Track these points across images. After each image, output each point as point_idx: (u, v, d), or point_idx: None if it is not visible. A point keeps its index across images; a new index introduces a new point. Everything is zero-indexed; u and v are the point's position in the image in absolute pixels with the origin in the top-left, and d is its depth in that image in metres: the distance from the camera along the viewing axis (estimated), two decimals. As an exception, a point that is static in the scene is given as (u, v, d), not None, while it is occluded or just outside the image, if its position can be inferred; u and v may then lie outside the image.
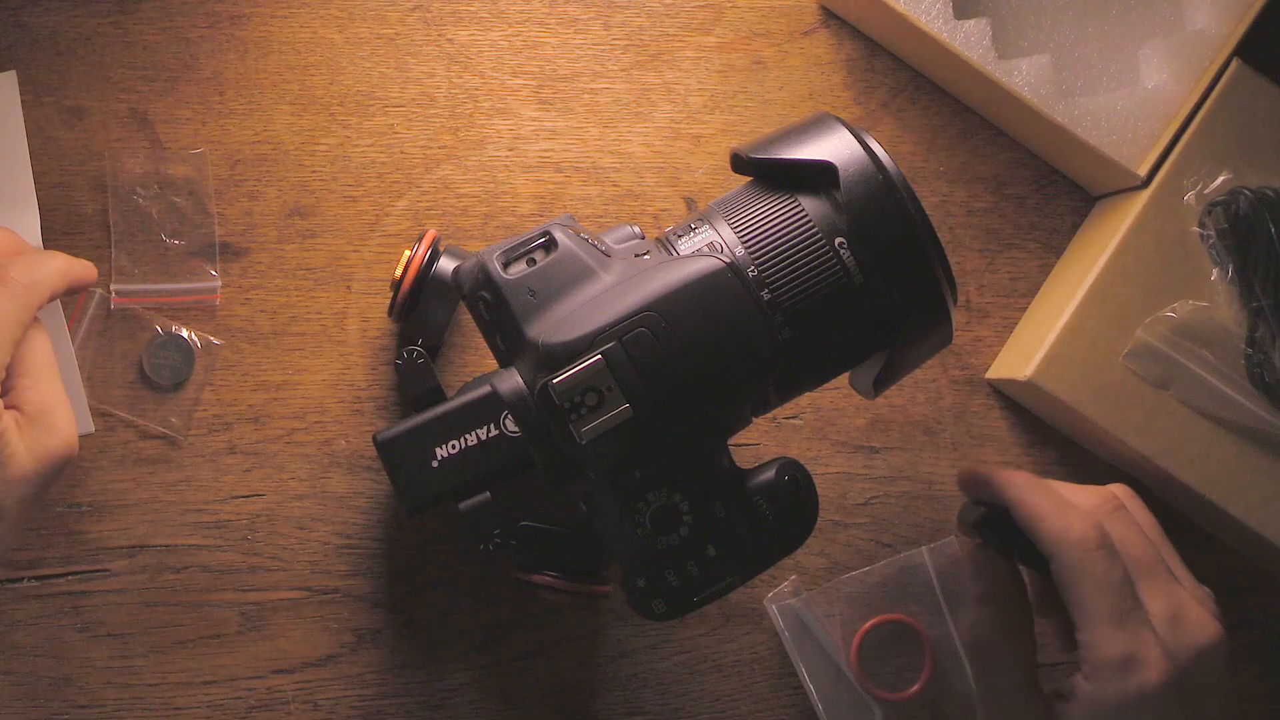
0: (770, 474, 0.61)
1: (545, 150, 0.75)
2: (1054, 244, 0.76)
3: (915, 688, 0.73)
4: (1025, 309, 0.75)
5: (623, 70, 0.75)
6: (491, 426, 0.61)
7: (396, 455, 0.63)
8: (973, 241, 0.75)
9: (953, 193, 0.75)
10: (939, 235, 0.70)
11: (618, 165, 0.75)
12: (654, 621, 0.61)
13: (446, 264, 0.67)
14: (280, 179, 0.74)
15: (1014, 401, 0.75)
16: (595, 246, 0.61)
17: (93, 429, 0.71)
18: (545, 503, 0.71)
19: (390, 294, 0.68)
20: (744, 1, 0.76)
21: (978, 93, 0.74)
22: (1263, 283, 0.68)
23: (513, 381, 0.60)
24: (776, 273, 0.59)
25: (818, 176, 0.60)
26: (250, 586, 0.72)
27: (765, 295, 0.59)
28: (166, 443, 0.72)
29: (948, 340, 0.62)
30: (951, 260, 0.75)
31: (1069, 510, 0.61)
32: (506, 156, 0.75)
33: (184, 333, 0.73)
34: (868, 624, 0.73)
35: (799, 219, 0.60)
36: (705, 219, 0.62)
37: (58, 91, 0.73)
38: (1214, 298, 0.69)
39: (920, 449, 0.74)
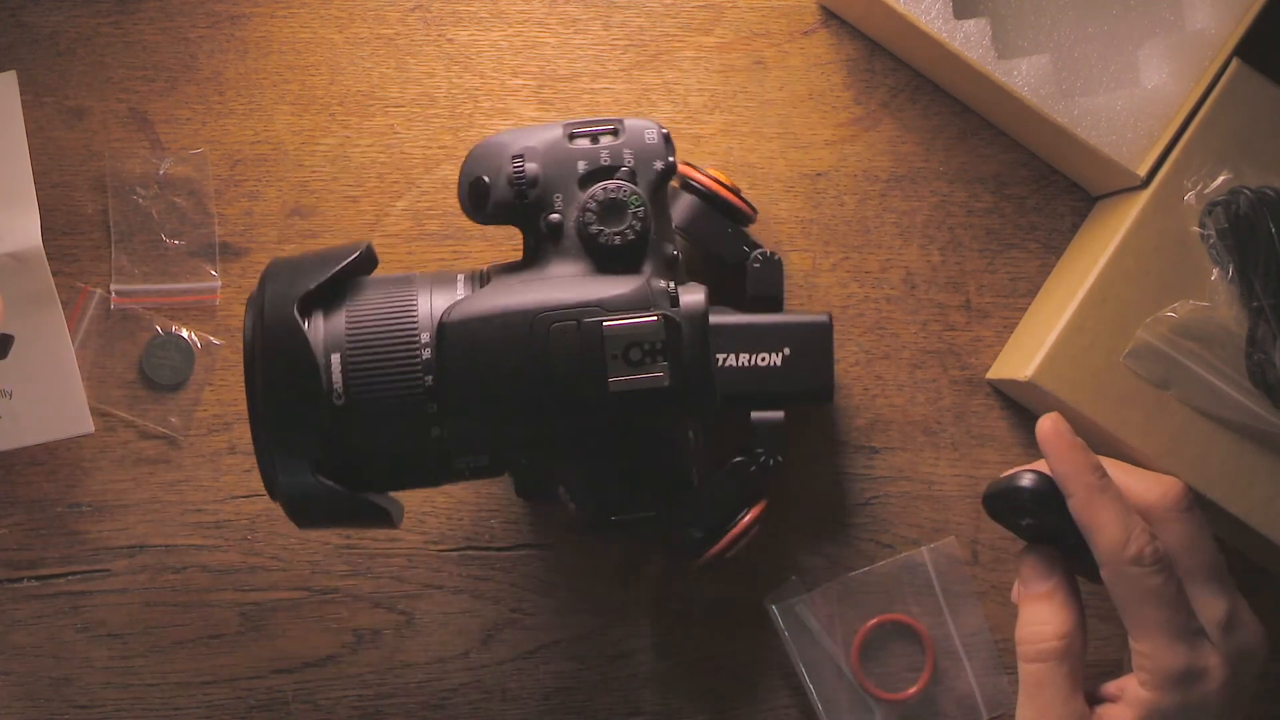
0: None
1: (545, 150, 0.75)
2: (1054, 244, 0.75)
3: (915, 688, 0.73)
4: (1025, 309, 0.75)
5: (623, 70, 0.75)
6: None
7: None
8: (973, 241, 0.75)
9: (953, 193, 0.75)
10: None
11: (618, 165, 0.75)
12: None
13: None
14: (280, 179, 0.74)
15: (1014, 401, 0.75)
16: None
17: (92, 429, 0.71)
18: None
19: None
20: (744, 1, 0.76)
21: (978, 93, 0.74)
22: (1263, 282, 0.68)
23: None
24: None
25: None
26: (250, 586, 0.72)
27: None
28: (166, 443, 0.72)
29: None
30: (951, 260, 0.75)
31: (1129, 522, 0.61)
32: (506, 156, 0.75)
33: (184, 333, 0.73)
34: (868, 624, 0.73)
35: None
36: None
37: (58, 91, 0.73)
38: (1214, 298, 0.69)
39: (920, 449, 0.74)
